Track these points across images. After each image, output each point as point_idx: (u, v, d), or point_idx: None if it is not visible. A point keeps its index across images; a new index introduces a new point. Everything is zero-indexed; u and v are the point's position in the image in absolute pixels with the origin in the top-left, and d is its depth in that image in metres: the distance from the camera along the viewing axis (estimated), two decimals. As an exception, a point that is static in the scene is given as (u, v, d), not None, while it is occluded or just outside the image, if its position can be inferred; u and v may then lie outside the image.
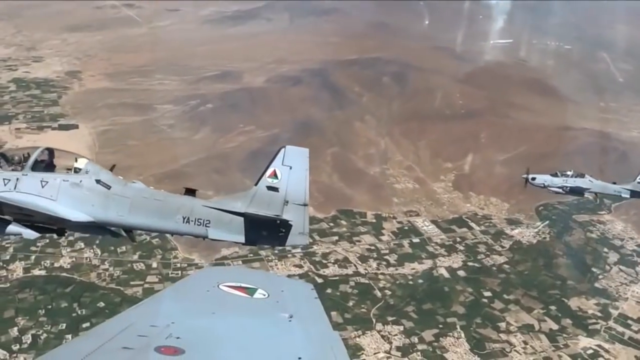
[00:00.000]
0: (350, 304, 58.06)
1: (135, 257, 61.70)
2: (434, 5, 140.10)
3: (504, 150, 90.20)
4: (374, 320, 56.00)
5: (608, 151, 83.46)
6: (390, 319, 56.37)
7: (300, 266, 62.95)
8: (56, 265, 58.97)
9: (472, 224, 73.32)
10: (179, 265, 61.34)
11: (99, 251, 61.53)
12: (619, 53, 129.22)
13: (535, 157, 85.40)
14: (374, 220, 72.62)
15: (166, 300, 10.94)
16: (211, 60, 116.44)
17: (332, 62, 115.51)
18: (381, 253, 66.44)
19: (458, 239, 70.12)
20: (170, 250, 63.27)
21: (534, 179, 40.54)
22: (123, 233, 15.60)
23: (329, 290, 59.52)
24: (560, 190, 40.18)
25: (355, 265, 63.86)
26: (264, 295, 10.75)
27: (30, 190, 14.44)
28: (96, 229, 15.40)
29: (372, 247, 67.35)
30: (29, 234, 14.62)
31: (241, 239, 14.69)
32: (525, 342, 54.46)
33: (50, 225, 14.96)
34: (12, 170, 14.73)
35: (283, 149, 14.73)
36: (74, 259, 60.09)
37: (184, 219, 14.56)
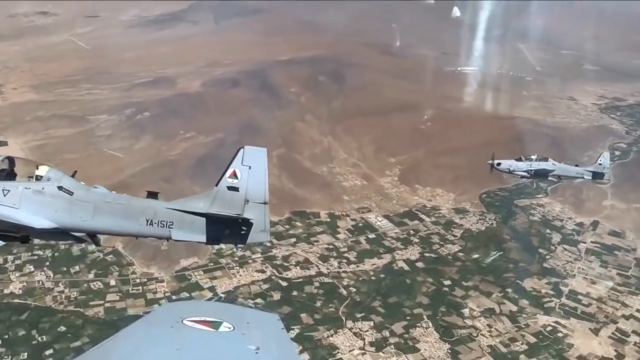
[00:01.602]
0: (318, 304, 58.29)
1: (91, 276, 59.33)
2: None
3: (444, 141, 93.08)
4: (343, 319, 56.48)
5: (542, 137, 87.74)
6: (359, 315, 57.07)
7: (263, 271, 62.49)
8: (6, 291, 55.93)
9: (423, 216, 75.29)
10: (138, 280, 59.40)
11: (51, 273, 58.80)
12: (534, 43, 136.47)
13: (475, 147, 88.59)
14: (329, 220, 73.16)
15: (128, 338, 10.74)
16: (141, 66, 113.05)
17: (267, 63, 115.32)
18: (340, 251, 67.10)
19: (412, 232, 71.84)
20: (127, 266, 61.23)
21: (499, 164, 42.53)
22: (87, 238, 15.74)
23: (294, 293, 59.70)
24: (526, 174, 42.41)
25: (317, 266, 64.16)
26: (230, 328, 10.70)
27: None
28: (60, 235, 15.52)
29: (331, 246, 67.89)
30: None
31: (203, 238, 14.97)
32: (489, 326, 56.67)
33: (14, 234, 14.95)
34: None
35: (242, 150, 15.07)
36: (24, 284, 57.13)
37: (147, 221, 14.79)
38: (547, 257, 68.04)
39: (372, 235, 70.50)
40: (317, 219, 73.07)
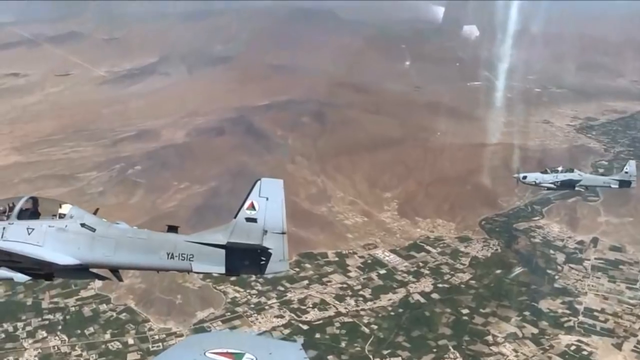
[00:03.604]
0: (343, 344, 57.80)
1: (107, 336, 57.69)
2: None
3: (433, 172, 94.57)
4: (371, 357, 56.07)
5: (527, 160, 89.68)
6: (385, 352, 56.79)
7: (281, 316, 61.78)
8: (22, 360, 53.71)
9: (429, 248, 75.95)
10: (156, 337, 57.97)
11: (65, 337, 56.86)
12: (500, 71, 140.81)
13: (463, 175, 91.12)
14: (337, 259, 73.15)
15: None
16: (122, 121, 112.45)
17: (247, 109, 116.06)
18: (354, 289, 66.94)
19: (421, 264, 72.30)
20: (142, 323, 59.81)
21: (525, 177, 43.52)
22: (110, 275, 16.24)
23: (317, 335, 59.07)
24: (552, 186, 43.35)
25: (334, 306, 63.79)
26: (252, 359, 10.87)
27: (18, 238, 15.07)
28: (82, 273, 15.98)
29: (344, 285, 67.70)
30: (20, 277, 15.16)
31: (223, 269, 15.40)
32: (515, 350, 57.03)
33: (38, 271, 15.45)
34: None
35: (259, 182, 15.62)
36: (39, 350, 55.12)
37: (168, 255, 15.21)
38: (556, 277, 69.24)
39: (382, 271, 70.66)
40: (325, 259, 72.94)
